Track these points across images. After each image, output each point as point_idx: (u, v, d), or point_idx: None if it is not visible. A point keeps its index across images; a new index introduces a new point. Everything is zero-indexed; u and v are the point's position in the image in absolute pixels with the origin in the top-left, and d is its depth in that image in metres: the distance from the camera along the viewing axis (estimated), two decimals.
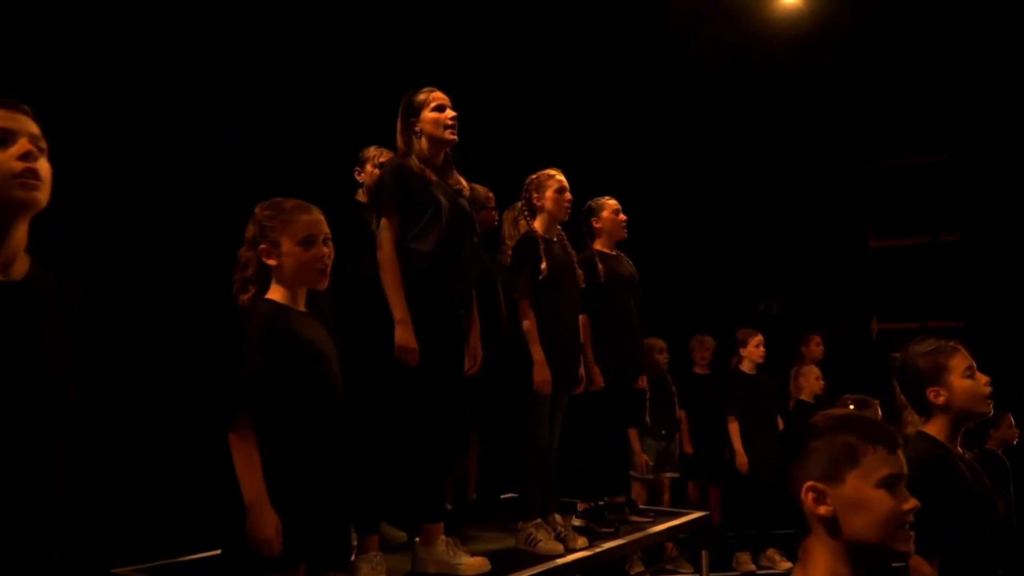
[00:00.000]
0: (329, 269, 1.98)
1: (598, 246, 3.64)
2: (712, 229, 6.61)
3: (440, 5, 3.99)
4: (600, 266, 3.51)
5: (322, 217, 1.99)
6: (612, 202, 3.66)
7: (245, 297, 1.97)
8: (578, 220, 3.64)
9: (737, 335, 4.89)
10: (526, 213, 3.28)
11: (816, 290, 6.40)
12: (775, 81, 5.74)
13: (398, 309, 2.56)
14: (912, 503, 1.24)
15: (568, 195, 3.26)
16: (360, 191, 3.31)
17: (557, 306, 3.16)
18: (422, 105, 2.72)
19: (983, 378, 2.02)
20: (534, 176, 3.28)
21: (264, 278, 1.97)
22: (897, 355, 2.11)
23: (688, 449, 4.97)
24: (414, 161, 2.69)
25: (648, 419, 4.52)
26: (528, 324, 3.09)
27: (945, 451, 1.98)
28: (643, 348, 4.08)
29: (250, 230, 1.99)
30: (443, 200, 2.67)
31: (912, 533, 1.24)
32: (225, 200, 3.52)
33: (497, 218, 3.65)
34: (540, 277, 3.09)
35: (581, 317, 3.37)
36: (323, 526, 1.92)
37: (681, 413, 4.94)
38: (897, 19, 5.08)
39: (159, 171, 3.38)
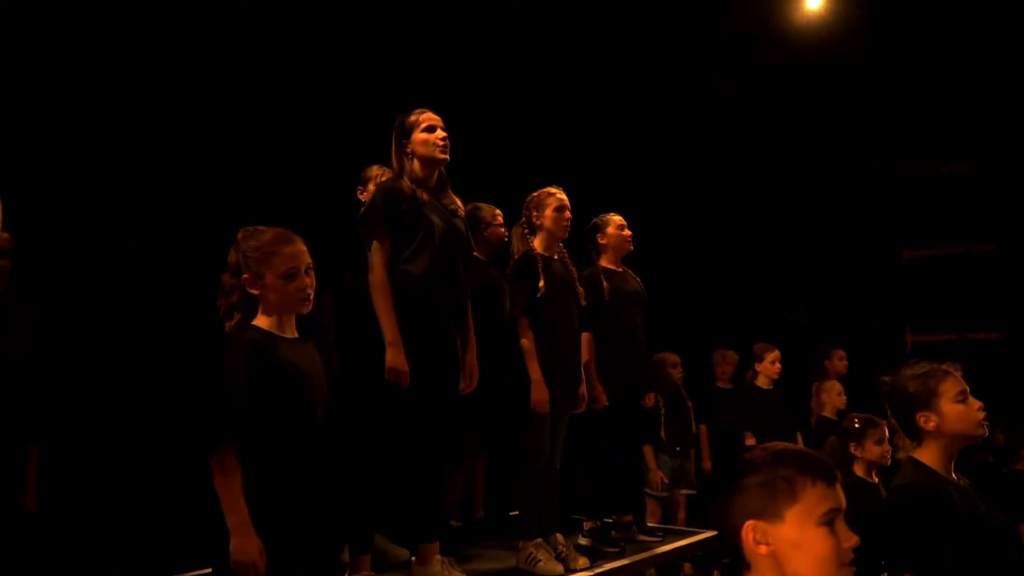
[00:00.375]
0: (312, 297, 2.00)
1: (604, 262, 3.61)
2: (740, 238, 6.42)
3: (440, 5, 3.94)
4: (605, 283, 3.49)
5: (304, 247, 2.01)
6: (617, 218, 3.63)
7: (231, 324, 1.99)
8: (583, 237, 3.62)
9: (753, 349, 4.74)
10: (526, 231, 3.27)
11: (847, 302, 6.18)
12: (805, 85, 5.55)
13: (389, 331, 2.57)
14: (853, 540, 1.19)
15: (568, 213, 3.25)
16: (362, 210, 3.30)
17: (556, 324, 3.15)
18: (413, 126, 2.74)
19: (976, 403, 1.95)
20: (535, 194, 3.29)
21: (250, 304, 1.99)
22: (886, 378, 2.06)
23: (707, 465, 4.80)
24: (406, 183, 2.71)
25: (663, 435, 4.43)
26: (526, 343, 3.08)
27: (936, 479, 1.91)
28: (651, 364, 3.98)
29: (232, 256, 2.00)
30: (436, 221, 2.68)
31: (853, 569, 1.18)
32: (225, 200, 3.52)
33: (507, 234, 3.60)
34: (538, 295, 3.09)
35: (585, 335, 3.35)
36: (308, 547, 1.93)
37: (702, 428, 4.79)
38: (929, 25, 4.89)
39: (159, 171, 3.39)
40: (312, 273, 1.99)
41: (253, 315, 1.97)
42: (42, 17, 3.12)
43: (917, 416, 1.95)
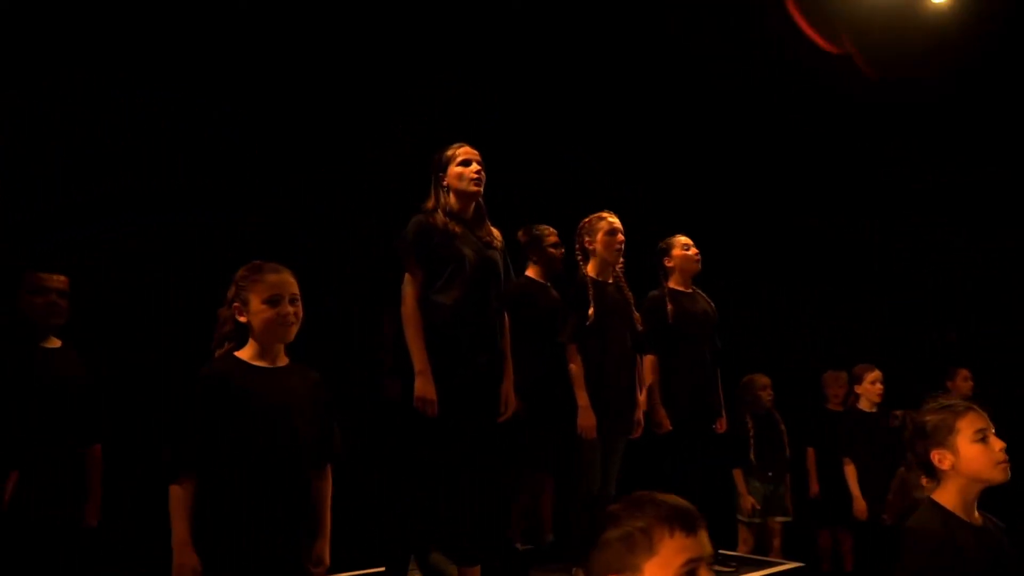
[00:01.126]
0: (296, 326, 2.04)
1: (672, 284, 3.64)
2: (886, 252, 5.75)
3: (441, 5, 3.95)
4: (669, 305, 3.51)
5: (291, 278, 2.06)
6: (682, 239, 3.67)
7: (219, 353, 2.05)
8: (652, 260, 3.67)
9: (853, 371, 4.45)
10: (579, 256, 3.31)
11: (997, 316, 5.45)
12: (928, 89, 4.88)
13: (418, 361, 2.65)
14: None
15: (620, 236, 3.29)
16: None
17: (607, 350, 3.18)
18: (449, 160, 2.80)
19: (997, 443, 1.85)
20: (586, 219, 3.34)
21: (242, 335, 2.05)
22: (898, 412, 2.01)
23: (814, 489, 4.52)
24: (439, 216, 2.77)
25: (753, 459, 4.27)
26: (575, 368, 3.12)
27: (952, 522, 1.83)
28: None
29: (231, 290, 2.07)
30: (468, 253, 2.73)
31: None
32: (225, 200, 3.53)
33: (562, 252, 3.62)
34: (587, 322, 3.12)
35: (649, 358, 3.40)
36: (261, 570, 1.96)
37: (809, 451, 4.56)
38: None
39: (159, 171, 3.39)
40: (298, 303, 2.04)
41: (243, 346, 2.02)
42: (42, 17, 3.12)
43: (932, 454, 1.88)
